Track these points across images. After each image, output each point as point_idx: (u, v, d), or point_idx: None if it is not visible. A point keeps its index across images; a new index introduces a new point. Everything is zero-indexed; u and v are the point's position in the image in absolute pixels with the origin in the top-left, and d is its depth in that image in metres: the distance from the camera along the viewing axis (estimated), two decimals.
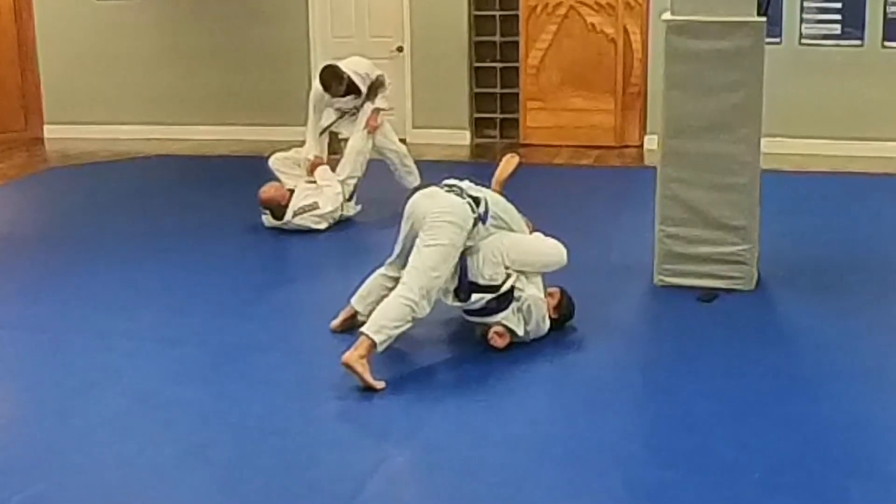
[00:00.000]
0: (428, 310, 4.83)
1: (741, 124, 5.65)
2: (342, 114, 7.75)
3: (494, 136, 10.63)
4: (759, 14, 5.63)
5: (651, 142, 9.20)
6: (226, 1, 10.67)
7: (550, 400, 4.66)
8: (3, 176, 9.41)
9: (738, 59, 5.59)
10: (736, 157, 5.69)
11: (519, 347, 5.04)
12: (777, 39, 9.18)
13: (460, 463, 4.00)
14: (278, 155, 7.69)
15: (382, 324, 4.70)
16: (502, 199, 5.28)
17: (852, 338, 5.22)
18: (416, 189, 5.37)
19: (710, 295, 5.74)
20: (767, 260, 6.02)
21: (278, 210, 7.25)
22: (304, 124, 7.71)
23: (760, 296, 5.80)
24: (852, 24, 9.39)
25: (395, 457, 4.12)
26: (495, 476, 3.90)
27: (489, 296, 4.99)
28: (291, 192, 7.31)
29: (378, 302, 4.94)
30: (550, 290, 5.21)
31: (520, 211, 5.33)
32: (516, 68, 10.33)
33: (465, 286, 4.99)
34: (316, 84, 7.57)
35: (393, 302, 4.78)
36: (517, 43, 10.27)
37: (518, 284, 5.03)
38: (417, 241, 4.90)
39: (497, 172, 5.61)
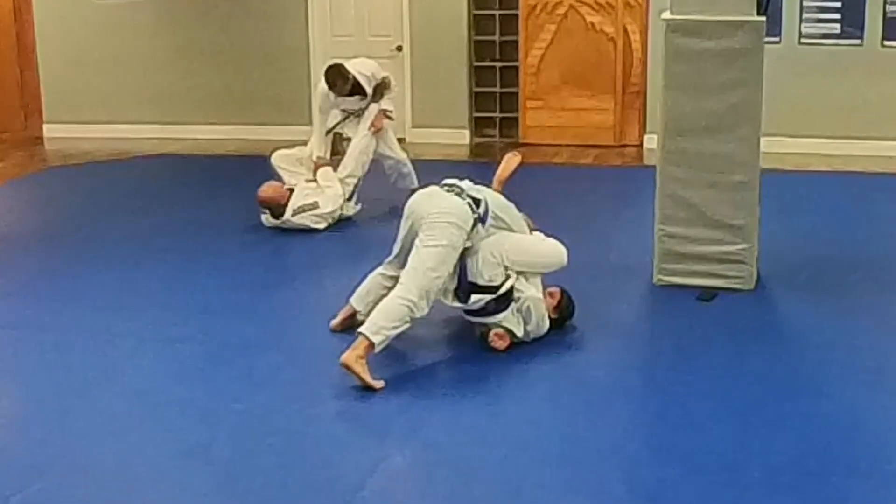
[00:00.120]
0: (426, 310, 4.83)
1: (741, 123, 5.65)
2: (347, 115, 7.73)
3: (494, 136, 10.61)
4: (758, 13, 5.63)
5: (651, 141, 9.19)
6: (226, 1, 10.66)
7: (550, 400, 4.66)
8: (3, 175, 9.40)
9: (738, 58, 5.59)
10: (735, 157, 5.69)
11: (519, 347, 5.04)
12: (776, 39, 9.17)
13: (459, 462, 4.01)
14: (280, 152, 7.69)
15: (381, 324, 4.70)
16: (502, 199, 5.27)
17: (852, 337, 5.23)
18: (416, 189, 5.37)
19: (709, 294, 5.74)
20: (767, 259, 6.02)
21: (277, 209, 7.25)
22: (304, 123, 7.72)
23: (760, 295, 5.80)
24: (852, 23, 9.38)
25: (394, 456, 4.13)
26: (494, 476, 3.90)
27: (489, 296, 4.99)
28: (291, 190, 7.31)
29: (377, 301, 4.94)
30: (550, 289, 5.21)
31: (520, 210, 5.33)
32: (516, 67, 10.31)
33: (464, 287, 4.99)
34: (321, 83, 7.57)
35: (391, 302, 4.78)
36: (517, 42, 10.25)
37: (517, 285, 5.03)
38: (417, 241, 4.90)
39: (499, 171, 5.57)
